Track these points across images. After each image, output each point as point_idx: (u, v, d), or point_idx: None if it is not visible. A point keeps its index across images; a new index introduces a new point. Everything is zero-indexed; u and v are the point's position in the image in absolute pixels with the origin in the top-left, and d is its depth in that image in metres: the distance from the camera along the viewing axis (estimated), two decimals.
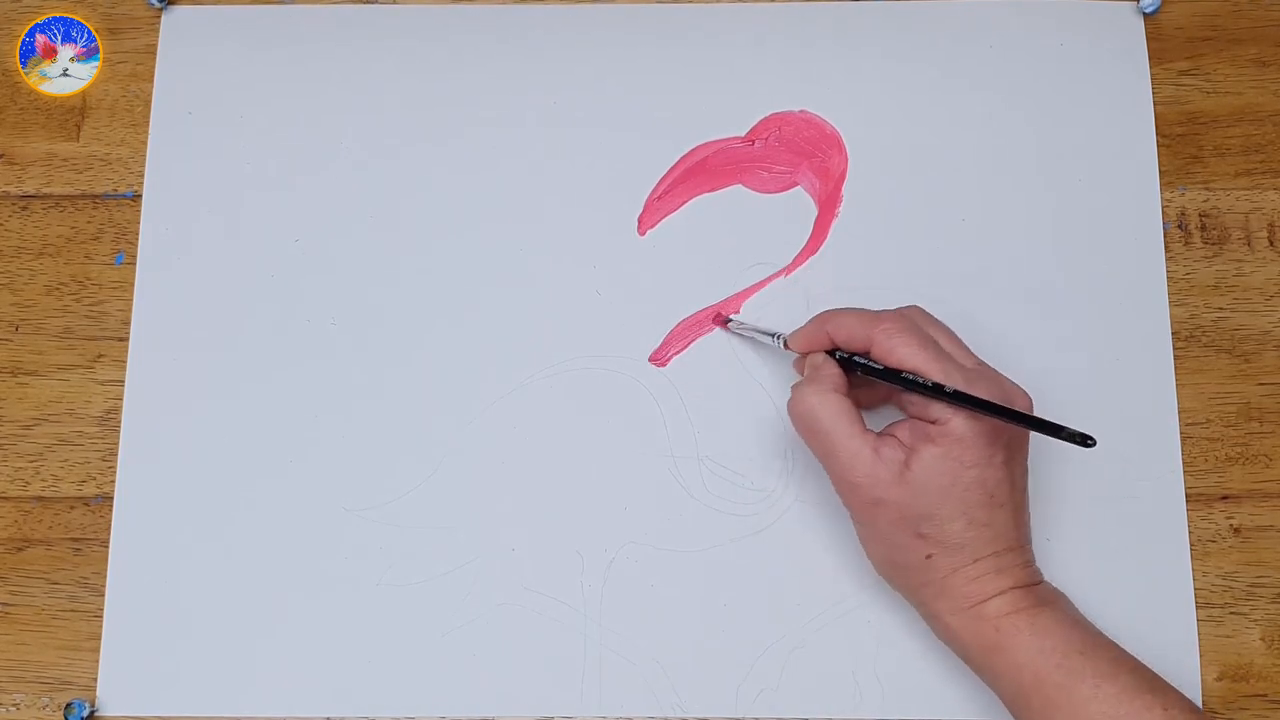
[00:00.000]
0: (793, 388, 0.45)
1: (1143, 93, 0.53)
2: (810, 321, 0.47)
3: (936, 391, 0.42)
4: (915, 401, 0.43)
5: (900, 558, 0.44)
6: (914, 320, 0.45)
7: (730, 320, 0.50)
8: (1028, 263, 0.51)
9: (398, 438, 0.50)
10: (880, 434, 0.44)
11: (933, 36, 0.53)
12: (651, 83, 0.53)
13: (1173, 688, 0.42)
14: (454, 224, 0.52)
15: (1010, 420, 0.42)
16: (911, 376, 0.43)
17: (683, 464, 0.49)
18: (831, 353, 0.46)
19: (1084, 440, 0.40)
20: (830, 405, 0.44)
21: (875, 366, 0.44)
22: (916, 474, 0.42)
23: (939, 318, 0.46)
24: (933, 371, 0.43)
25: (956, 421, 0.42)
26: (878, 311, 0.46)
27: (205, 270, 0.52)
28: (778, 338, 0.48)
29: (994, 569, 0.43)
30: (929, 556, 0.43)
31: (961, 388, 0.42)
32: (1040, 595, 0.44)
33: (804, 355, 0.47)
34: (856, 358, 0.45)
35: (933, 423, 0.43)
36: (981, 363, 0.45)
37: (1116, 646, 0.43)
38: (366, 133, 0.53)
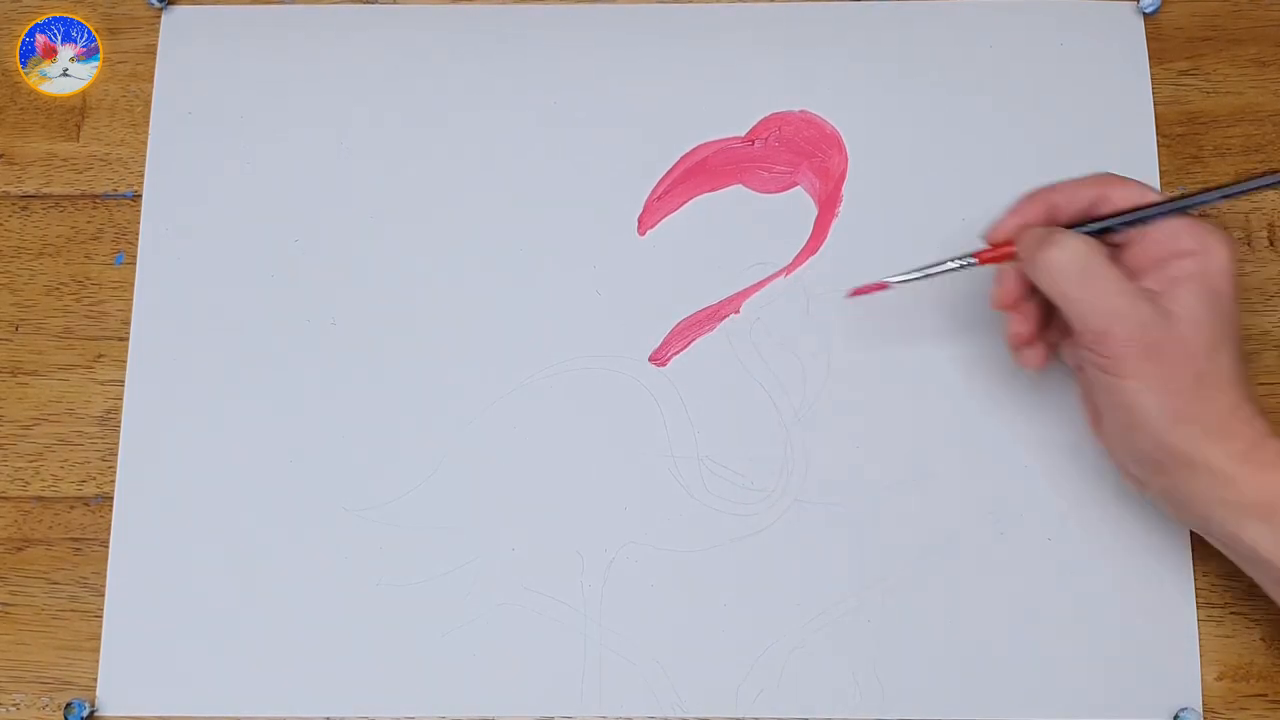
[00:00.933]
0: (1041, 250, 0.42)
1: (1143, 93, 0.53)
2: (1011, 209, 0.44)
3: (1187, 211, 0.42)
4: (1160, 240, 0.42)
5: (1178, 403, 0.41)
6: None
7: (889, 280, 0.46)
8: None
9: (398, 438, 0.50)
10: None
11: (933, 36, 0.53)
12: (651, 83, 0.53)
13: None
14: (454, 224, 0.52)
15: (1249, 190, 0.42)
16: (1166, 203, 0.42)
17: (683, 464, 0.49)
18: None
19: None
20: (1097, 248, 0.41)
21: (1111, 217, 0.43)
22: (1185, 308, 0.41)
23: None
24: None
25: (1213, 243, 0.41)
26: (1080, 177, 0.44)
27: (205, 270, 0.52)
28: (960, 259, 0.45)
29: (1257, 411, 0.41)
30: (1210, 398, 0.41)
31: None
32: None
33: (998, 260, 0.44)
34: (1084, 227, 0.43)
35: (1184, 256, 0.41)
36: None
37: None
38: (366, 132, 0.53)
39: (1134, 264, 0.43)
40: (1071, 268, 0.42)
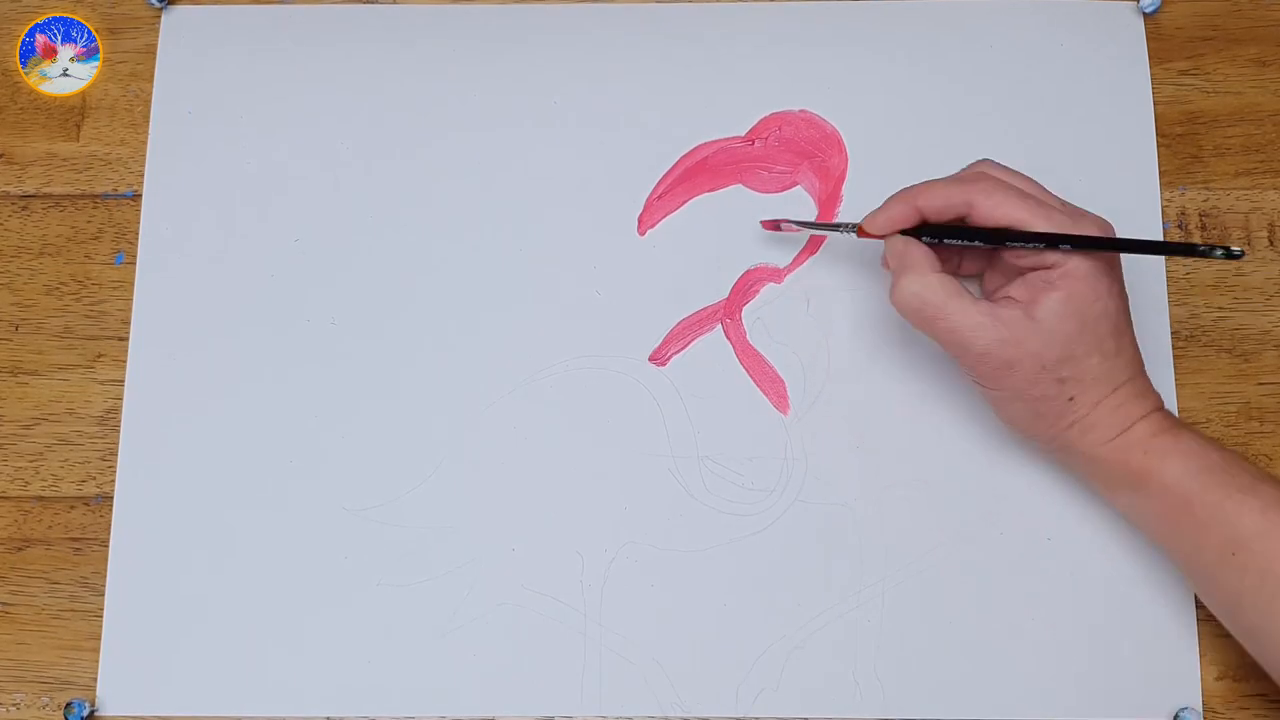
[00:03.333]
0: (893, 280, 0.45)
1: (1143, 93, 0.53)
2: (889, 201, 0.46)
3: (1051, 246, 0.42)
4: (1025, 254, 0.43)
5: (1043, 408, 0.44)
6: (998, 174, 0.45)
7: (783, 222, 0.50)
8: None
9: (398, 438, 0.50)
10: (991, 300, 0.44)
11: (933, 36, 0.53)
12: (651, 83, 0.53)
13: None
14: (454, 224, 0.52)
15: (1148, 252, 0.43)
16: (1018, 238, 0.43)
17: (683, 464, 0.49)
18: (913, 234, 0.45)
19: (1229, 253, 0.40)
20: (935, 286, 0.43)
21: (970, 235, 0.44)
22: (1044, 322, 0.42)
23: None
24: (1037, 222, 0.43)
25: (1075, 262, 0.43)
26: (957, 174, 0.45)
27: (205, 270, 0.52)
28: (846, 227, 0.47)
29: (1133, 394, 0.44)
30: (1072, 399, 0.44)
31: (1069, 229, 0.43)
32: (1172, 417, 0.45)
33: (875, 239, 0.46)
34: (949, 236, 0.44)
35: (1049, 268, 0.43)
36: (1064, 200, 0.45)
37: (1253, 463, 0.44)
38: (366, 132, 0.53)
39: (1003, 267, 0.45)
40: (923, 300, 0.44)
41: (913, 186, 0.45)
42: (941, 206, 0.44)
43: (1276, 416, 0.50)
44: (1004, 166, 0.46)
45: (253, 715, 0.48)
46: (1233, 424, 0.50)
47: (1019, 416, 0.45)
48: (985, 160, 0.46)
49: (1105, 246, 0.43)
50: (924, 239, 0.45)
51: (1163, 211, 0.52)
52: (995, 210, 0.43)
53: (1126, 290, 0.45)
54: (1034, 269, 0.44)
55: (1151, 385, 0.45)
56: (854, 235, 0.47)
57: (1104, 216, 0.44)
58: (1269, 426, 0.50)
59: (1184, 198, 0.52)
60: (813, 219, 0.52)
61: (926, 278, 0.44)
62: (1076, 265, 0.43)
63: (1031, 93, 0.53)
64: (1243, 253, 0.42)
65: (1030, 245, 0.43)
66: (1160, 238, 0.51)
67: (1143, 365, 0.45)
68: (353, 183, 0.52)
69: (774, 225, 0.50)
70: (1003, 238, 0.43)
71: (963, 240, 0.44)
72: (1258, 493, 0.42)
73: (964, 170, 0.46)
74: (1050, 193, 0.45)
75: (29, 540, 0.50)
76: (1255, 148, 0.53)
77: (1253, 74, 0.53)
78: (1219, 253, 0.41)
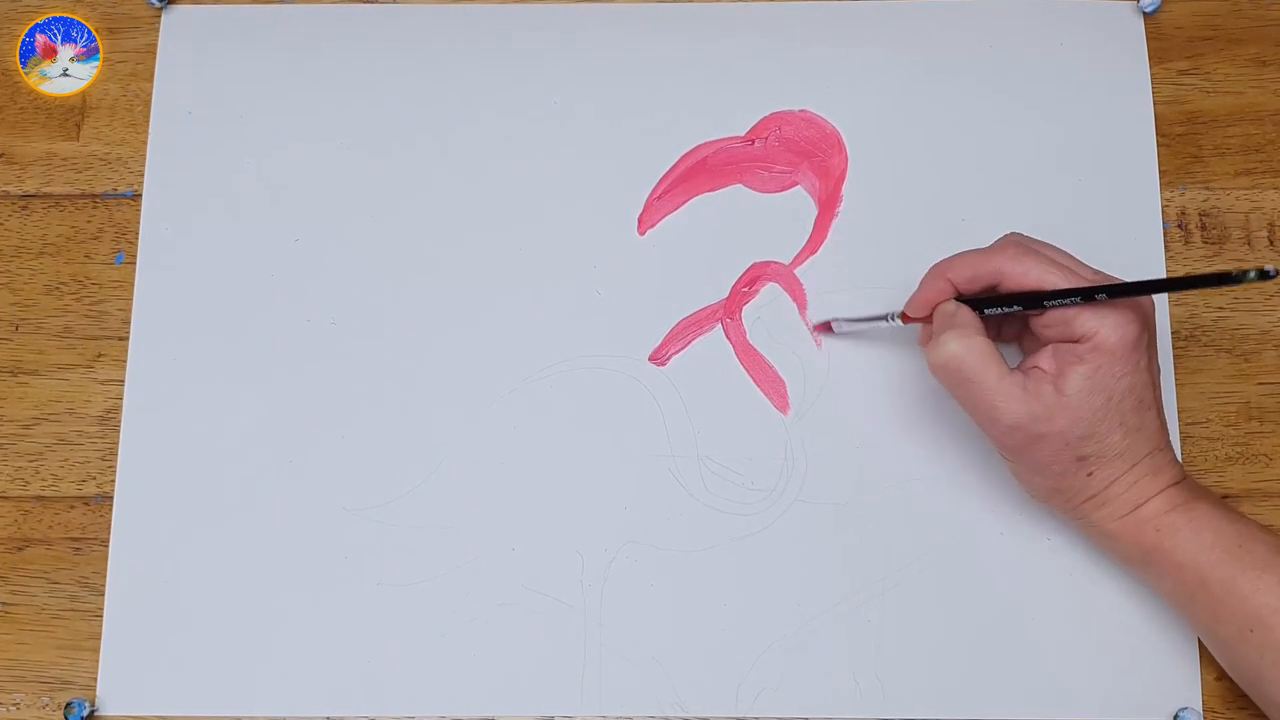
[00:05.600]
0: (933, 340, 0.44)
1: (1143, 93, 0.53)
2: (923, 282, 0.46)
3: (1088, 298, 0.42)
4: (1055, 324, 0.43)
5: (1061, 482, 0.44)
6: (1027, 243, 0.44)
7: (834, 322, 0.50)
8: None
9: (398, 438, 0.50)
10: (1023, 370, 0.44)
11: (933, 36, 0.53)
12: (651, 82, 0.53)
13: None
14: (454, 223, 0.52)
15: (1180, 288, 0.41)
16: (1054, 295, 0.42)
17: (683, 464, 0.49)
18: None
19: (1263, 274, 0.38)
20: (976, 350, 0.43)
21: (1008, 301, 0.43)
22: (1071, 397, 0.42)
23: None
24: (1067, 284, 0.42)
25: (1104, 332, 0.42)
26: (986, 247, 0.45)
27: (205, 270, 0.52)
28: (891, 317, 0.47)
29: (1149, 470, 0.44)
30: (1090, 474, 0.43)
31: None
32: (1192, 490, 0.44)
33: (923, 323, 0.46)
34: (987, 305, 0.44)
35: (1077, 340, 0.42)
36: (1096, 270, 0.44)
37: (1273, 535, 0.44)
38: (366, 132, 0.53)
39: (1035, 335, 0.45)
40: (961, 360, 0.43)
41: (941, 261, 0.45)
42: (971, 276, 0.44)
43: (1276, 416, 0.50)
44: (1029, 237, 0.45)
45: (253, 715, 0.48)
46: (1233, 424, 0.50)
47: (1040, 489, 0.45)
48: (1013, 233, 0.45)
49: (1141, 290, 0.42)
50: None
51: (1163, 211, 0.52)
52: (1025, 276, 0.43)
53: (1158, 363, 0.44)
54: (1065, 340, 0.43)
55: (1173, 457, 0.45)
56: (900, 323, 0.47)
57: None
58: (1269, 426, 0.50)
59: (1184, 198, 0.52)
60: (813, 220, 0.52)
61: (971, 339, 0.43)
62: (1107, 336, 0.42)
63: (1031, 93, 0.53)
64: (1277, 272, 0.38)
65: (1066, 302, 0.42)
66: (1160, 238, 0.51)
67: (1166, 438, 0.44)
68: (353, 182, 0.52)
69: (825, 327, 0.50)
70: (1039, 300, 0.43)
71: (1001, 308, 0.44)
72: (1274, 568, 0.42)
73: (993, 244, 0.45)
74: (1081, 261, 0.44)
75: (29, 540, 0.50)
76: (1255, 148, 0.53)
77: (1253, 74, 0.53)
78: (1252, 275, 0.38)
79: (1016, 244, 0.44)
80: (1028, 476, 0.45)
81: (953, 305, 0.45)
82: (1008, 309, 0.44)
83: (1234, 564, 0.42)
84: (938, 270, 0.45)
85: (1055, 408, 0.42)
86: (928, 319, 0.46)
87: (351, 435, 0.50)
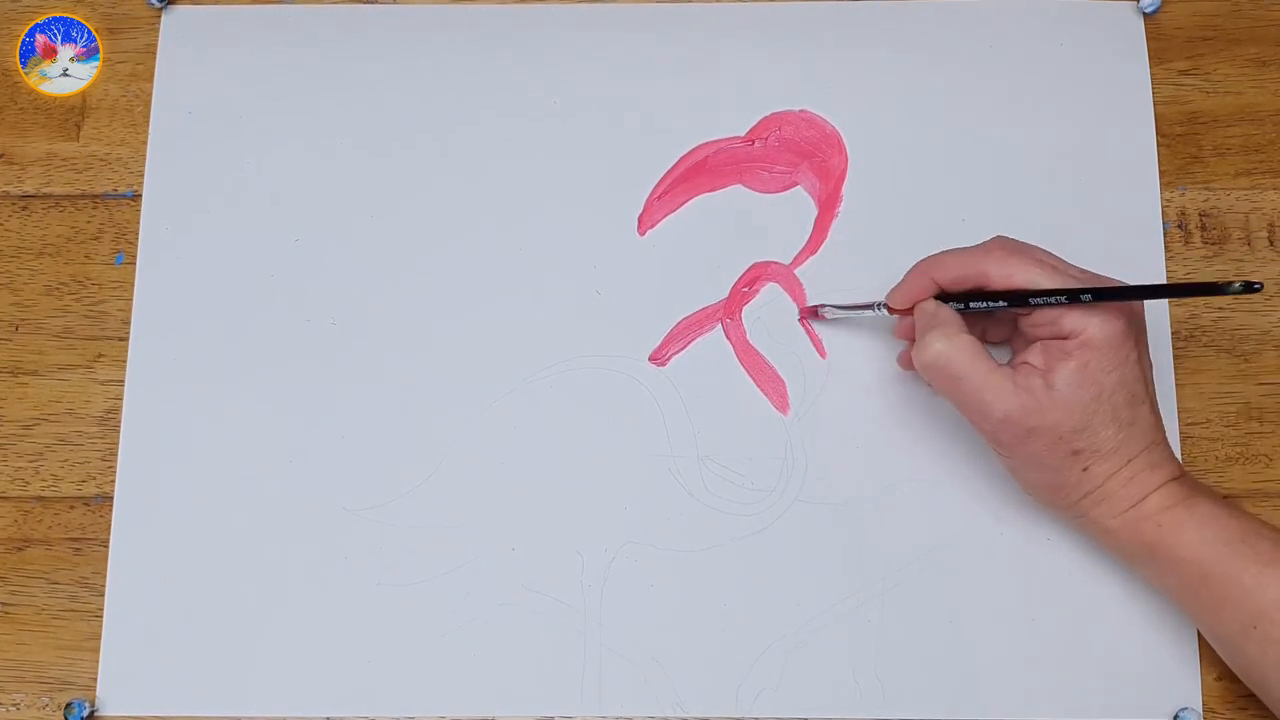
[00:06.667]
0: (918, 340, 0.44)
1: (1143, 93, 0.53)
2: (907, 275, 0.46)
3: (1073, 299, 0.42)
4: (1042, 323, 0.43)
5: (1057, 478, 0.44)
6: (1014, 245, 0.44)
7: (820, 308, 0.50)
8: None
9: (398, 438, 0.50)
10: (1012, 365, 0.44)
11: (933, 36, 0.53)
12: (651, 82, 0.53)
13: None
14: (454, 223, 0.52)
15: (1166, 295, 0.42)
16: (1040, 294, 0.42)
17: (683, 464, 0.49)
18: (939, 299, 0.45)
19: (1249, 287, 0.39)
20: (962, 347, 0.43)
21: (994, 297, 0.43)
22: (1061, 392, 0.42)
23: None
24: (1053, 283, 0.42)
25: (1092, 329, 0.42)
26: (973, 247, 0.45)
27: (205, 270, 0.52)
28: (877, 306, 0.48)
29: (1146, 465, 0.44)
30: (1086, 469, 0.43)
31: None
32: (1191, 485, 0.44)
33: (906, 314, 0.47)
34: (972, 301, 0.44)
35: (1065, 338, 0.42)
36: (1084, 269, 0.44)
37: (1275, 530, 0.43)
38: (366, 132, 0.53)
39: (1024, 334, 0.45)
40: (948, 359, 0.43)
41: (928, 258, 0.45)
42: (956, 276, 0.44)
43: (1276, 416, 0.50)
44: (1016, 240, 0.45)
45: (253, 715, 0.48)
46: (1233, 424, 0.50)
47: (1037, 485, 0.45)
48: (999, 235, 0.45)
49: (1125, 296, 0.42)
50: (950, 305, 0.45)
51: (1163, 211, 0.52)
52: (1011, 277, 0.43)
53: (1150, 358, 0.44)
54: (1053, 338, 0.43)
55: (1170, 453, 0.45)
56: (885, 313, 0.47)
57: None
58: (1269, 426, 0.50)
59: (1184, 198, 0.52)
60: (813, 220, 0.52)
61: (955, 337, 0.43)
62: (1095, 332, 0.42)
63: (1031, 93, 0.53)
64: (1261, 286, 0.40)
65: (1052, 301, 0.42)
66: (1160, 238, 0.51)
67: (1162, 433, 0.44)
68: (352, 182, 0.52)
69: (812, 312, 0.50)
70: (1024, 298, 0.43)
71: (987, 303, 0.44)
72: (1276, 563, 0.42)
73: (978, 244, 0.45)
74: (1067, 262, 0.44)
75: (29, 540, 0.50)
76: (1255, 148, 0.53)
77: (1253, 74, 0.53)
78: (1236, 287, 0.40)
79: (1003, 246, 0.44)
80: (1025, 474, 0.45)
81: (932, 305, 0.45)
82: (993, 304, 0.44)
83: (1236, 559, 0.42)
84: (923, 268, 0.45)
85: (1046, 401, 0.42)
86: (909, 312, 0.46)
87: (351, 435, 0.50)
